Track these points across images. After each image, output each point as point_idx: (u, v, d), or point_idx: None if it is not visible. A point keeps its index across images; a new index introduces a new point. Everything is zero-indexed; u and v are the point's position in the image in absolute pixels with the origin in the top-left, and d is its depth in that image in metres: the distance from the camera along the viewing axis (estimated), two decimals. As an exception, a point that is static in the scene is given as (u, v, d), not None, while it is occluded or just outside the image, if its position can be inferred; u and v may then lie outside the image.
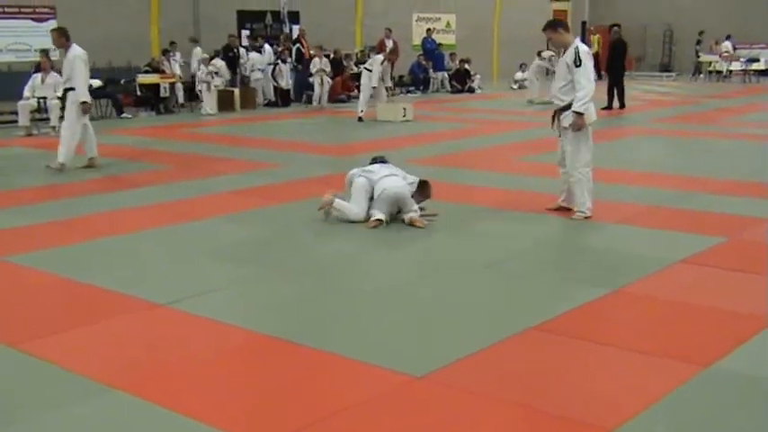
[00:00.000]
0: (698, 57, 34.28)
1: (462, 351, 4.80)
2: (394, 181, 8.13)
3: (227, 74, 20.98)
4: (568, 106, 8.19)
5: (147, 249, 7.43)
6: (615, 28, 21.37)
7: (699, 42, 34.21)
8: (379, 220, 7.93)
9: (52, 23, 21.43)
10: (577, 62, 8.08)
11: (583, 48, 8.22)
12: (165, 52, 21.80)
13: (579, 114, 8.08)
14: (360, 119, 18.29)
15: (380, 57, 19.01)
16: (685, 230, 7.75)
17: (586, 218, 8.22)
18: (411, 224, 7.92)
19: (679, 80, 33.44)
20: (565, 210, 8.54)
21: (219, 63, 20.87)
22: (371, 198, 8.18)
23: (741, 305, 5.59)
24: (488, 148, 13.82)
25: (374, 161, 8.70)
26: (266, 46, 23.30)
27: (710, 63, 33.50)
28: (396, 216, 8.13)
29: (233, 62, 21.77)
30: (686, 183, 10.23)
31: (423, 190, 8.39)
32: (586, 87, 8.06)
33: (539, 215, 8.53)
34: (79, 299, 6.01)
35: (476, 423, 3.98)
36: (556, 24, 8.50)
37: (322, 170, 11.55)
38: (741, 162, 12.19)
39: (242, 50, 22.62)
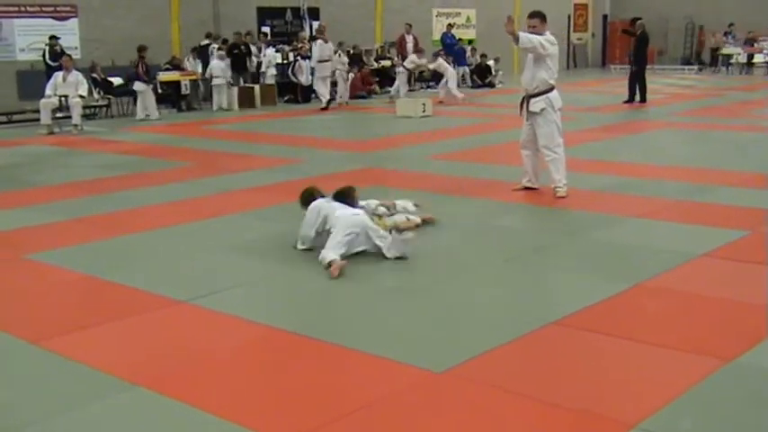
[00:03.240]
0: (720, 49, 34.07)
1: (483, 346, 4.79)
2: (349, 211, 6.88)
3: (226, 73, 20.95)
4: (538, 92, 8.90)
5: (169, 246, 7.46)
6: (640, 21, 21.17)
7: (726, 34, 34.00)
8: (333, 262, 6.34)
9: (73, 22, 21.58)
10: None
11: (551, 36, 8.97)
12: (194, 50, 21.75)
13: (514, 38, 8.60)
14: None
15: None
16: (707, 224, 7.69)
17: (563, 195, 8.86)
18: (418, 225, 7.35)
19: (701, 73, 33.19)
20: (531, 189, 9.27)
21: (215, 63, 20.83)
22: (319, 232, 6.87)
23: (764, 299, 5.54)
24: (508, 143, 13.75)
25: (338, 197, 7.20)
26: (267, 50, 23.14)
27: (733, 55, 33.23)
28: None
29: (241, 60, 21.75)
30: (708, 176, 10.15)
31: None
32: (535, 41, 8.66)
33: (559, 210, 8.50)
34: (101, 296, 6.05)
35: (497, 418, 3.97)
36: (544, 16, 9.00)
37: (344, 166, 11.55)
38: (764, 155, 12.08)
39: (254, 48, 22.61)
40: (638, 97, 20.28)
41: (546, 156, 9.01)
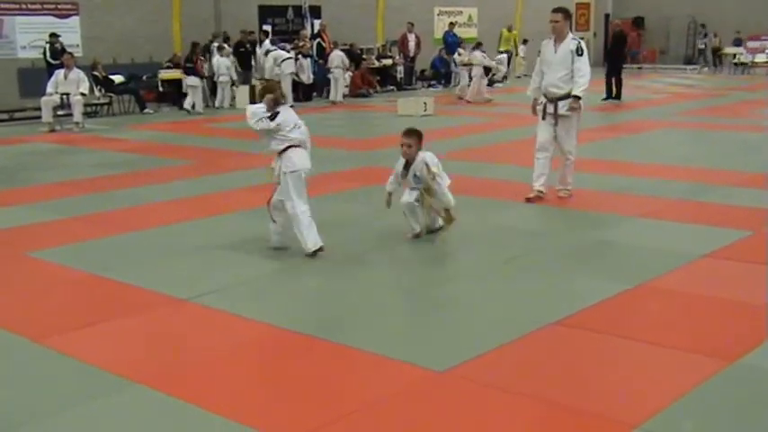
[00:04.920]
0: (717, 48, 34.62)
1: (484, 346, 4.78)
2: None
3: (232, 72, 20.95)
4: (568, 94, 8.55)
5: (170, 244, 7.44)
6: (616, 21, 22.06)
7: (704, 36, 34.90)
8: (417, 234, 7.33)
9: (74, 20, 21.56)
10: (580, 51, 8.50)
11: (581, 40, 8.68)
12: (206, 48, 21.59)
13: (578, 98, 8.49)
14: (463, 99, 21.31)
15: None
16: (710, 224, 7.67)
17: (567, 197, 8.78)
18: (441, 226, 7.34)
19: (703, 72, 33.19)
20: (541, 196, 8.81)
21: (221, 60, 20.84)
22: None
23: (766, 299, 5.52)
24: (510, 142, 13.74)
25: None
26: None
27: (735, 55, 33.28)
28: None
29: (246, 58, 21.70)
30: (711, 176, 10.13)
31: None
32: (588, 75, 8.52)
33: (561, 209, 8.49)
34: (102, 294, 6.04)
35: (498, 418, 3.96)
36: (569, 12, 8.75)
37: (345, 164, 11.54)
38: (767, 154, 12.06)
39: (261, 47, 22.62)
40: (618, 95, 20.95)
41: (566, 159, 8.78)
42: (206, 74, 20.86)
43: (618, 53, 21.19)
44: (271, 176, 6.92)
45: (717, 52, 34.84)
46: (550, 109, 8.68)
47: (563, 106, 8.57)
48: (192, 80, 19.86)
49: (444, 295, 5.83)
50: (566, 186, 8.84)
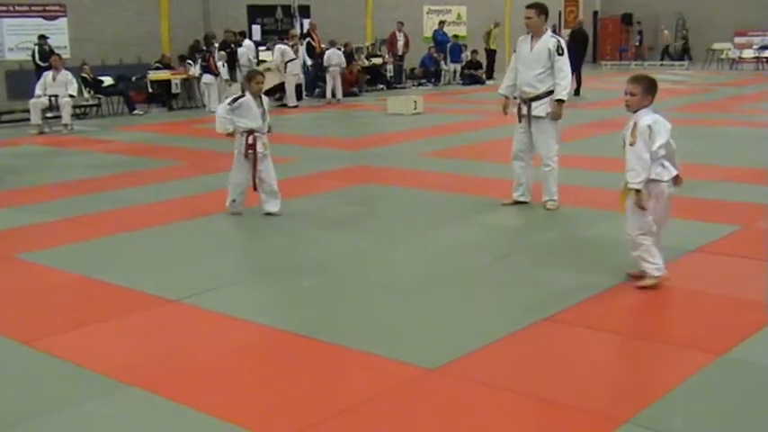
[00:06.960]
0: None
1: (475, 343, 4.79)
2: None
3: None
4: (543, 95, 8.10)
5: (161, 245, 7.44)
6: (579, 19, 22.85)
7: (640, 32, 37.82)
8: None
9: (62, 21, 21.50)
10: (560, 51, 8.05)
11: (561, 39, 8.25)
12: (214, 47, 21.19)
13: (562, 102, 8.02)
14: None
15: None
16: (699, 219, 7.70)
17: (554, 208, 8.26)
18: None
19: (692, 69, 33.29)
20: (521, 203, 8.46)
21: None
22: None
23: (756, 294, 5.55)
24: (499, 140, 13.74)
25: None
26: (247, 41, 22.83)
27: (723, 51, 33.45)
28: None
29: (232, 58, 21.62)
30: (700, 171, 10.13)
31: None
32: (569, 75, 8.12)
33: (551, 206, 8.49)
34: (93, 296, 6.02)
35: (490, 414, 3.97)
36: (543, 7, 8.18)
37: (335, 164, 11.54)
38: (755, 150, 12.10)
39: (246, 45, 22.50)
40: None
41: (544, 166, 8.27)
42: (219, 72, 20.61)
43: (577, 50, 21.35)
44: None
45: (667, 49, 36.43)
46: (524, 110, 8.22)
47: (537, 107, 8.13)
48: (207, 78, 19.94)
49: (435, 292, 5.83)
50: (551, 197, 8.32)
